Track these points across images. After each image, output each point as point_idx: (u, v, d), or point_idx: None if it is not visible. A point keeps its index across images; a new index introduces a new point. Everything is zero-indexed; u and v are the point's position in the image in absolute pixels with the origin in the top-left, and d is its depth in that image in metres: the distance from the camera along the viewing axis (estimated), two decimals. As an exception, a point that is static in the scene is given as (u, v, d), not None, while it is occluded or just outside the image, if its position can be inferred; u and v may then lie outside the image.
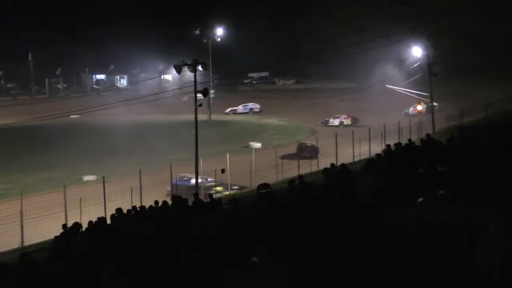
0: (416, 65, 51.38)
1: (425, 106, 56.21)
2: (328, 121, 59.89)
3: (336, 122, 58.93)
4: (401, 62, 58.13)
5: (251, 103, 73.81)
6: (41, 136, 50.48)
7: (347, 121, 57.72)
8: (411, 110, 60.24)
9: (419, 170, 13.29)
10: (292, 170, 33.64)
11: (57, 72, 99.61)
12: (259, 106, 72.97)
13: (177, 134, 48.83)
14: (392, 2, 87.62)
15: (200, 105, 27.97)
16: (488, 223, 6.88)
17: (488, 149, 13.66)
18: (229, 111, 72.72)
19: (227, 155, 33.41)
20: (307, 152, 39.04)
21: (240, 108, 72.98)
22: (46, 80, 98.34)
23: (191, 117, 29.87)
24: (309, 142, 42.53)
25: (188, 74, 29.94)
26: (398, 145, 19.59)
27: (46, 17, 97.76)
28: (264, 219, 9.82)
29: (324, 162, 32.14)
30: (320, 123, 59.54)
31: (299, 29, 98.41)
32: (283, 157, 37.46)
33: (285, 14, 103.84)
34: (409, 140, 21.74)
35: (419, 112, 54.23)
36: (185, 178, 31.92)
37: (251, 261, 7.37)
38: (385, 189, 11.25)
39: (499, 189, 8.71)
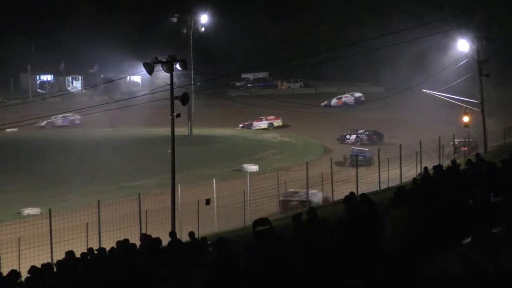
0: (462, 63, 51.39)
1: (352, 97, 62.12)
2: (345, 136, 61.09)
3: (352, 138, 60.46)
4: (442, 58, 58.60)
5: (271, 117, 72.62)
6: None
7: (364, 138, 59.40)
8: (334, 101, 66.15)
9: (467, 202, 13.39)
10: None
11: None
12: (279, 120, 72.35)
13: (147, 153, 48.91)
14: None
15: (178, 115, 27.87)
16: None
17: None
18: (242, 126, 72.13)
19: (214, 180, 33.54)
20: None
21: (254, 124, 72.11)
22: None
23: (167, 130, 29.84)
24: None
25: (162, 74, 29.87)
26: (438, 168, 19.76)
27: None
28: (261, 267, 9.81)
29: (340, 190, 32.31)
30: (336, 139, 60.42)
31: (310, 18, 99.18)
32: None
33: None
34: (453, 161, 21.83)
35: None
36: None
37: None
38: (422, 228, 11.29)
39: None
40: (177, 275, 11.69)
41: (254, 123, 71.90)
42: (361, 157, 43.64)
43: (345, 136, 61.09)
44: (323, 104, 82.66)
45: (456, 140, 44.70)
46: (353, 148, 51.73)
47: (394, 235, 11.12)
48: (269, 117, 71.24)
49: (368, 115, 64.24)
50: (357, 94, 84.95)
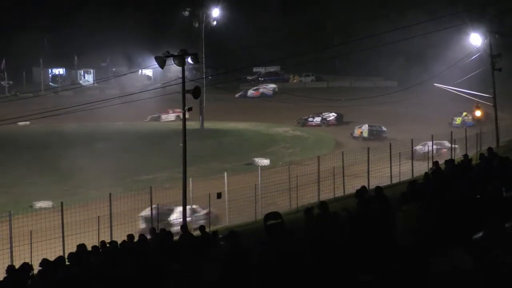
0: (474, 57, 51.05)
1: (270, 87, 67.11)
2: (307, 119, 66.77)
3: (317, 120, 66.61)
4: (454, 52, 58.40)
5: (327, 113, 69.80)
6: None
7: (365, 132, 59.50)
8: (250, 92, 71.48)
9: (478, 196, 13.34)
10: (311, 195, 33.95)
11: (1, 66, 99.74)
12: (334, 115, 70.08)
13: (159, 148, 49.10)
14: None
15: (190, 108, 27.87)
16: None
17: None
18: (299, 121, 69.37)
19: (225, 174, 33.62)
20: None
21: (310, 119, 68.79)
22: None
23: (179, 124, 29.85)
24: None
25: (174, 68, 29.90)
26: (450, 162, 19.74)
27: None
28: (273, 261, 9.82)
29: (351, 184, 32.29)
30: (350, 133, 60.11)
31: (322, 11, 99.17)
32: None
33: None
34: (465, 155, 21.67)
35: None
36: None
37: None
38: (434, 223, 11.29)
39: None
40: (189, 269, 11.77)
41: (163, 116, 71.28)
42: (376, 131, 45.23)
43: (307, 118, 66.29)
44: (237, 95, 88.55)
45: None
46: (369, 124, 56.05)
47: (406, 230, 11.14)
48: (177, 110, 68.03)
49: (381, 109, 63.97)
50: (272, 86, 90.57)
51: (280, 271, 9.44)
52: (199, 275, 10.86)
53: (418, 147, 43.45)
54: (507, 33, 50.08)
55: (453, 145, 41.81)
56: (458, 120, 59.32)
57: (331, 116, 66.47)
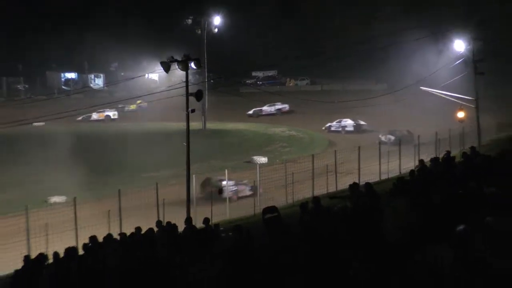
0: (458, 62, 51.03)
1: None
2: (330, 126, 64.87)
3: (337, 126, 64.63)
4: (439, 57, 58.44)
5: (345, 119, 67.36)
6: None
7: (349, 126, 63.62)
8: (95, 115, 71.12)
9: (460, 192, 13.24)
10: (306, 190, 34.00)
11: (18, 70, 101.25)
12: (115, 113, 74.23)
13: (164, 147, 49.19)
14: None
15: (193, 110, 27.99)
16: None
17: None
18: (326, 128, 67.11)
19: (226, 171, 33.92)
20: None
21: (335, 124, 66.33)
22: (4, 79, 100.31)
23: (183, 125, 29.99)
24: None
25: (178, 72, 30.05)
26: (435, 160, 19.82)
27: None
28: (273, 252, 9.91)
29: (343, 181, 32.41)
30: (323, 128, 64.16)
31: (315, 19, 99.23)
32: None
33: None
34: (448, 152, 21.37)
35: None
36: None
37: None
38: (420, 219, 11.23)
39: None
40: (193, 262, 11.82)
41: (93, 114, 73.36)
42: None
43: (330, 126, 64.52)
44: (250, 112, 77.28)
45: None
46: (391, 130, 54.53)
47: (394, 226, 11.17)
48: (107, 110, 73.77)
49: (373, 110, 64.02)
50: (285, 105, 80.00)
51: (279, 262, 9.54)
52: (203, 267, 10.96)
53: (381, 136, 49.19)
54: (489, 40, 50.05)
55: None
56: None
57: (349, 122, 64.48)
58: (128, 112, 77.77)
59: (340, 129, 64.64)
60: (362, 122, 64.03)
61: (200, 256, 11.84)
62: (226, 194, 33.39)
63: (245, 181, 37.20)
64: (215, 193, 32.42)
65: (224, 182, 34.81)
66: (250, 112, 75.99)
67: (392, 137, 51.60)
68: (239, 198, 35.79)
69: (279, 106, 76.74)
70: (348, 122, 64.81)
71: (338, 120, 65.51)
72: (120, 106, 72.83)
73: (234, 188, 35.89)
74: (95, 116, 73.98)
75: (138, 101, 74.84)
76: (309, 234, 11.70)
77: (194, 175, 30.18)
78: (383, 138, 51.62)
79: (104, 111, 73.92)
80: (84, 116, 70.72)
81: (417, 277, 7.54)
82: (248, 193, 35.61)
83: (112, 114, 75.15)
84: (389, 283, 7.77)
